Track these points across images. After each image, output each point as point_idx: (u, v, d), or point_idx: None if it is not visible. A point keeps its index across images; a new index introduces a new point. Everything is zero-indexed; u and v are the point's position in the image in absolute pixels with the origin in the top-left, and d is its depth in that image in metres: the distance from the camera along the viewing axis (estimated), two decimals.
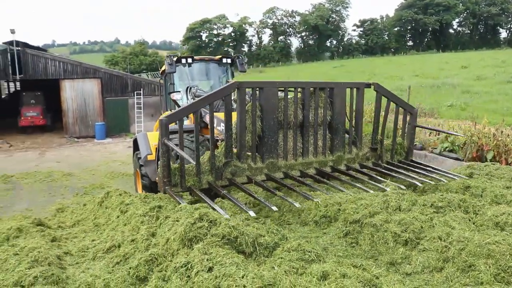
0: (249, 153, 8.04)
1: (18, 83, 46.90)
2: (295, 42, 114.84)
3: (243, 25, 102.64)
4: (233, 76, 12.38)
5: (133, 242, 6.29)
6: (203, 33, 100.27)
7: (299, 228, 7.05)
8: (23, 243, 6.96)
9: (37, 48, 36.26)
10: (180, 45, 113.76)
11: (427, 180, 8.31)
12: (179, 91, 10.89)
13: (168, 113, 10.00)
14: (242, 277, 4.30)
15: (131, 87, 30.07)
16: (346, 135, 9.33)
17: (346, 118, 9.27)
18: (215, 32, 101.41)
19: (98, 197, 10.69)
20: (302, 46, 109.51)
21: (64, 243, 7.87)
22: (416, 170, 9.08)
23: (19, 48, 28.64)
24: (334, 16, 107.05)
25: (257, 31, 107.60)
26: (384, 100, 9.66)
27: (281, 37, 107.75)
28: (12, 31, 28.45)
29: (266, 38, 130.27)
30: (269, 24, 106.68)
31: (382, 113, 9.89)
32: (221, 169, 7.76)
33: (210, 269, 4.59)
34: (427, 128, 13.99)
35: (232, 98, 8.23)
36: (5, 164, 23.13)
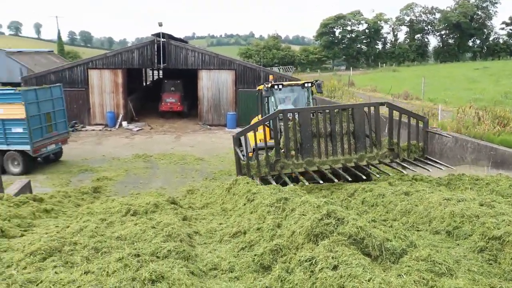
0: (293, 154, 11.69)
1: (161, 72, 50.81)
2: (433, 41, 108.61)
3: (378, 22, 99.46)
4: (312, 95, 14.98)
5: (258, 230, 6.45)
6: (337, 29, 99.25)
7: (429, 236, 6.65)
8: (159, 218, 7.52)
9: (180, 40, 38.90)
10: (313, 41, 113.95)
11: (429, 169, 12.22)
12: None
13: (256, 119, 15.22)
14: (369, 280, 4.17)
15: (263, 80, 30.85)
16: (367, 139, 12.35)
17: (366, 127, 12.27)
18: (348, 28, 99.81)
19: (227, 184, 11.18)
20: (441, 45, 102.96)
21: (193, 222, 8.35)
22: (428, 163, 12.20)
23: (164, 40, 30.98)
24: (479, 13, 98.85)
25: (392, 28, 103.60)
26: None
27: (418, 35, 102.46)
28: (160, 24, 30.89)
29: (401, 36, 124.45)
30: (406, 21, 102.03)
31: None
32: (273, 164, 11.63)
33: (335, 268, 4.52)
34: (437, 133, 15.19)
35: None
36: (146, 145, 25.26)
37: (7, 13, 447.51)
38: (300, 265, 4.83)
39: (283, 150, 11.73)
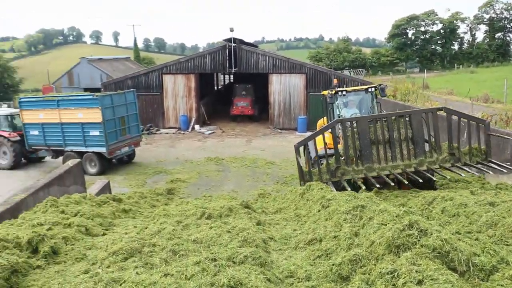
0: (353, 160, 12.09)
1: (232, 76, 51.64)
2: None
3: (454, 21, 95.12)
4: (376, 98, 15.11)
5: (335, 238, 6.30)
6: (409, 30, 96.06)
7: None
8: (234, 222, 7.57)
9: (250, 44, 39.30)
10: (384, 42, 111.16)
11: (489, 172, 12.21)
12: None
13: (321, 122, 16.57)
14: None
15: (333, 83, 30.37)
16: (426, 144, 12.43)
17: (425, 133, 12.36)
18: (422, 29, 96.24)
19: (300, 189, 11.08)
20: None
21: (267, 228, 8.32)
22: (491, 166, 12.01)
23: (235, 45, 31.45)
24: None
25: (470, 27, 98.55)
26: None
27: (499, 34, 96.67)
28: (231, 29, 31.40)
29: (480, 35, 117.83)
30: (485, 20, 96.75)
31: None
32: (334, 171, 12.08)
33: (420, 282, 4.29)
34: (500, 136, 14.72)
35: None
36: (218, 148, 25.74)
37: (89, 23, 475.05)
38: (381, 278, 4.63)
39: (343, 157, 12.18)
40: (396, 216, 6.00)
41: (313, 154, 13.12)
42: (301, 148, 13.82)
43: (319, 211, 8.40)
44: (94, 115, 20.33)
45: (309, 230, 7.43)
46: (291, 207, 10.17)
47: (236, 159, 22.47)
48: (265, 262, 5.64)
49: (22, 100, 22.68)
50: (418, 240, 5.04)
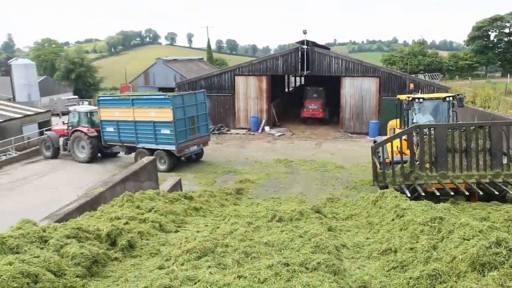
0: (427, 166, 12.21)
1: (303, 78, 51.46)
2: None
3: None
4: (453, 108, 15.03)
5: (411, 250, 6.05)
6: (492, 32, 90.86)
7: None
8: (305, 226, 7.48)
9: (323, 46, 38.94)
10: (463, 45, 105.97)
11: None
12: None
13: (393, 124, 17.25)
14: None
15: (408, 88, 29.42)
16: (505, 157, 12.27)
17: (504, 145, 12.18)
18: (506, 30, 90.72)
19: (372, 196, 10.79)
20: None
21: (339, 234, 8.16)
22: None
23: (308, 47, 31.26)
24: None
25: None
26: None
27: None
28: (304, 32, 31.23)
29: None
30: None
31: None
32: (408, 175, 12.19)
33: None
34: None
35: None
36: (287, 150, 25.70)
37: (165, 25, 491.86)
38: None
39: (418, 162, 12.36)
40: (480, 232, 5.68)
41: (385, 156, 13.25)
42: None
43: (393, 220, 8.12)
44: (165, 114, 21.03)
45: (383, 239, 7.21)
46: (363, 214, 9.93)
47: (305, 162, 22.33)
48: (338, 270, 5.52)
49: (100, 98, 23.96)
50: (507, 260, 4.72)
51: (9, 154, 25.69)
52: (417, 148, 12.64)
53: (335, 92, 32.43)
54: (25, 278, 4.89)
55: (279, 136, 30.25)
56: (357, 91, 30.61)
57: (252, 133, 31.47)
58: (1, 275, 4.78)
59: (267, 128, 31.87)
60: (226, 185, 18.34)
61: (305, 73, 31.62)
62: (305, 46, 31.17)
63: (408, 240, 6.52)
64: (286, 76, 47.63)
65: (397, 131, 15.67)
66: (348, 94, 30.81)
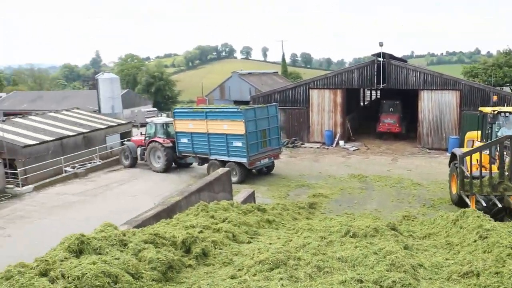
0: None
1: (378, 92, 50.35)
2: None
3: None
4: None
5: (497, 275, 5.67)
6: None
7: None
8: (380, 243, 7.25)
9: (399, 59, 37.93)
10: None
11: None
12: None
13: (473, 135, 17.51)
14: None
15: (492, 100, 27.90)
16: None
17: None
18: None
19: (452, 214, 10.27)
20: None
21: (415, 253, 7.83)
22: None
23: (384, 60, 30.57)
24: None
25: None
26: None
27: None
28: (380, 44, 30.61)
29: None
30: None
31: None
32: (496, 185, 12.24)
33: None
34: None
35: None
36: (362, 165, 25.18)
37: (241, 39, 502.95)
38: None
39: (507, 174, 12.35)
40: None
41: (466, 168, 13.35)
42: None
43: (475, 241, 7.67)
44: (238, 127, 21.44)
45: (464, 261, 6.81)
46: (442, 234, 9.45)
47: (380, 178, 21.74)
48: None
49: (176, 110, 24.90)
50: None
51: (94, 162, 27.26)
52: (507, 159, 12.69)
53: (413, 106, 31.41)
54: (107, 278, 5.15)
55: (353, 150, 29.73)
56: (436, 105, 29.41)
57: (326, 147, 31.18)
58: (86, 273, 5.07)
59: (341, 142, 31.44)
60: (299, 199, 18.28)
61: (381, 87, 30.94)
62: (381, 59, 30.53)
63: (493, 264, 6.12)
64: (361, 89, 46.84)
65: (477, 143, 15.68)
66: (427, 108, 29.68)
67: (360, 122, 38.69)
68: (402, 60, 40.60)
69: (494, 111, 14.38)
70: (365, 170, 23.64)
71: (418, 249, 8.26)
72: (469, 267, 6.31)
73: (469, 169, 13.41)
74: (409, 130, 33.17)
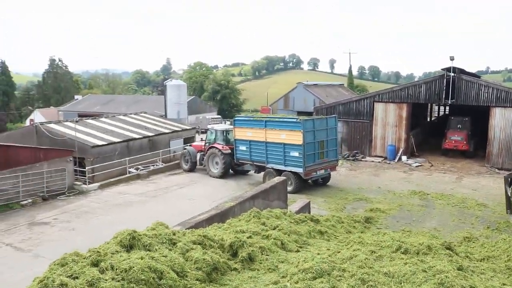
0: None
1: (447, 107, 48.54)
2: None
3: None
4: None
5: None
6: None
7: None
8: (431, 262, 7.00)
9: (473, 74, 36.38)
10: None
11: None
12: None
13: None
14: None
15: None
16: None
17: None
18: None
19: None
20: None
21: (470, 275, 7.49)
22: None
23: (455, 74, 29.43)
24: None
25: None
26: None
27: None
28: (451, 58, 29.50)
29: None
30: None
31: None
32: None
33: None
34: None
35: None
36: (424, 182, 24.33)
37: (308, 50, 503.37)
38: None
39: None
40: None
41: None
42: None
43: None
44: (296, 137, 21.49)
45: None
46: (503, 258, 8.99)
47: (442, 196, 20.90)
48: None
49: (236, 118, 25.33)
50: None
51: (156, 165, 28.19)
52: None
53: (483, 123, 29.95)
54: (152, 273, 5.36)
55: (416, 167, 28.79)
56: (509, 123, 27.84)
57: (388, 162, 30.41)
58: (133, 267, 5.30)
59: (404, 158, 30.54)
60: (355, 213, 17.96)
61: (449, 102, 29.83)
62: (451, 74, 29.42)
63: None
64: (429, 104, 45.37)
65: None
66: (498, 126, 28.21)
67: (425, 138, 37.42)
68: (475, 75, 38.87)
69: None
70: (427, 187, 22.83)
71: (474, 272, 7.89)
72: None
73: None
74: (477, 149, 31.64)
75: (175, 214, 16.41)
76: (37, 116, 55.30)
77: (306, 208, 15.42)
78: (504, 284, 6.96)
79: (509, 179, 12.90)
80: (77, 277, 4.99)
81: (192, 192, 22.54)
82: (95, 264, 5.44)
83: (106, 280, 5.03)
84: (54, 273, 5.05)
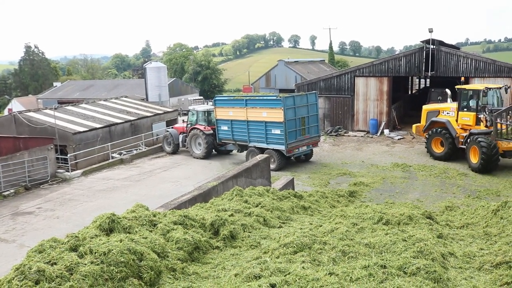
0: None
1: (427, 80, 48.82)
2: None
3: None
4: None
5: None
6: None
7: None
8: (412, 231, 7.09)
9: (452, 46, 36.54)
10: None
11: None
12: None
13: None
14: None
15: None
16: None
17: None
18: None
19: (493, 204, 9.90)
20: None
21: (449, 242, 7.62)
22: None
23: (434, 46, 29.52)
24: None
25: None
26: None
27: None
28: (430, 30, 29.55)
29: None
30: None
31: None
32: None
33: None
34: None
35: None
36: (406, 154, 24.57)
37: (288, 28, 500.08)
38: None
39: None
40: None
41: None
42: None
43: None
44: (277, 114, 21.47)
45: (499, 251, 6.57)
46: (481, 224, 9.13)
47: (424, 167, 21.16)
48: (440, 278, 5.16)
49: (217, 98, 25.23)
50: None
51: (139, 149, 28.01)
52: None
53: None
54: (132, 255, 5.32)
55: (398, 139, 29.04)
56: None
57: (371, 135, 30.59)
58: (112, 250, 5.26)
59: (386, 131, 30.77)
60: (339, 187, 18.11)
61: (429, 74, 29.99)
62: (430, 46, 29.51)
63: None
64: (410, 77, 45.59)
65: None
66: None
67: (406, 111, 37.67)
68: (454, 47, 39.05)
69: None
70: (409, 159, 23.08)
71: (453, 239, 8.04)
72: (503, 257, 6.11)
73: None
74: None
75: (159, 196, 16.39)
76: (16, 105, 54.31)
77: (289, 184, 15.47)
78: (481, 249, 7.08)
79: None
80: (55, 263, 4.93)
81: (175, 174, 22.49)
82: (74, 249, 5.38)
83: (85, 264, 4.99)
84: (32, 260, 4.98)
